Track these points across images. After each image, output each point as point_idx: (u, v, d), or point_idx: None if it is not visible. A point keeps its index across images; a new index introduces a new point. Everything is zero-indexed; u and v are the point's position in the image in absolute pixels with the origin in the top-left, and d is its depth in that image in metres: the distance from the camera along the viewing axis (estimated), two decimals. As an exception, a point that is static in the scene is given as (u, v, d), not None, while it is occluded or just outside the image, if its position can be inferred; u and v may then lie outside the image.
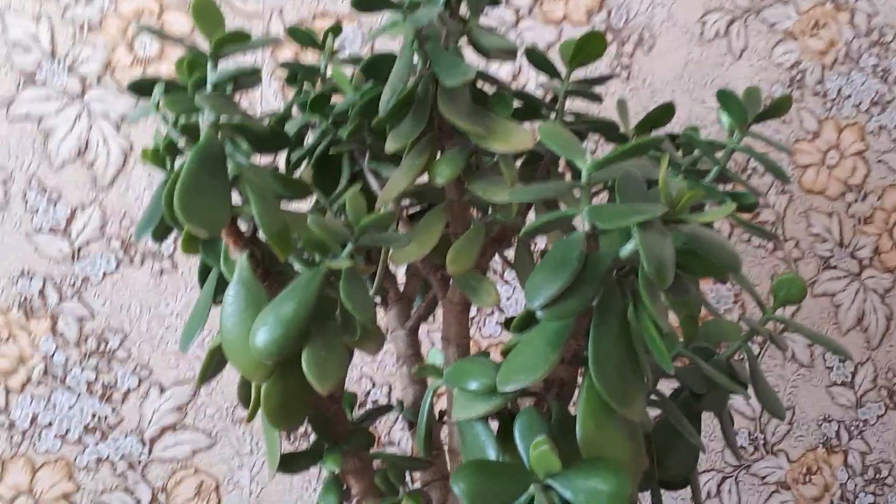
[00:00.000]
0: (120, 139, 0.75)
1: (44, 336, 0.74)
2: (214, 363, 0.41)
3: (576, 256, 0.29)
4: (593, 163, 0.30)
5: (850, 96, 0.94)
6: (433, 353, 0.37)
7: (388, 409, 0.50)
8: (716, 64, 0.89)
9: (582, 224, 0.30)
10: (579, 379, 0.36)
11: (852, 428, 0.96)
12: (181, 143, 0.34)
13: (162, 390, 0.76)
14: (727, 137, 0.45)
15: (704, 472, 0.93)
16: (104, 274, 0.75)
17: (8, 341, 0.73)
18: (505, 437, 0.34)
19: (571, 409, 0.34)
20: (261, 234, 0.38)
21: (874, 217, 0.96)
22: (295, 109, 0.52)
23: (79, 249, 0.75)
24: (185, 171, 0.32)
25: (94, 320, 0.75)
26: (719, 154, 0.46)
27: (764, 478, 0.94)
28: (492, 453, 0.33)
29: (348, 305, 0.34)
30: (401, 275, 0.55)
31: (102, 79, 0.74)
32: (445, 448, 0.50)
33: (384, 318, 0.53)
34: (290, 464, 0.41)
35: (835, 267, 0.95)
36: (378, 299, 0.54)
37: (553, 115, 0.47)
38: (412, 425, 0.52)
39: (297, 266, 0.37)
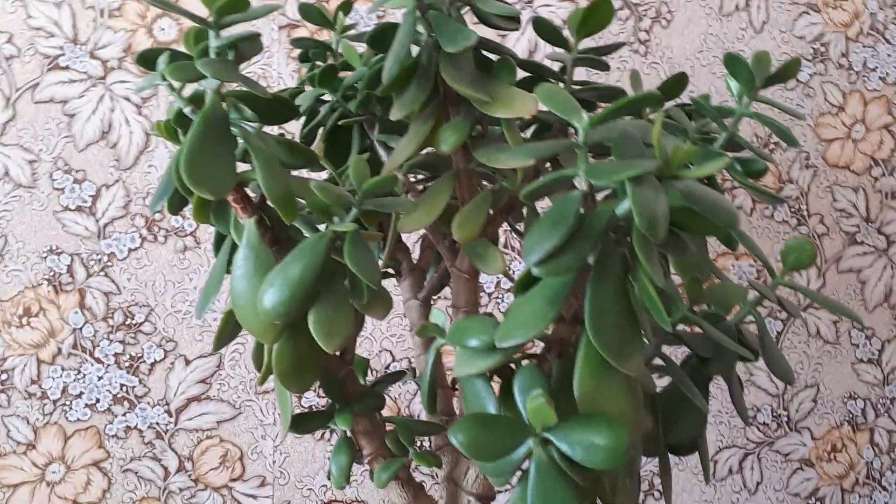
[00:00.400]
0: (141, 120, 0.77)
1: (72, 310, 0.76)
2: (230, 327, 0.42)
3: (572, 214, 0.29)
4: (590, 121, 0.30)
5: (875, 69, 0.92)
6: (436, 312, 0.37)
7: (401, 375, 0.51)
8: (736, 38, 0.88)
9: (580, 184, 0.31)
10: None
11: (879, 406, 0.95)
12: (187, 110, 0.35)
13: (187, 363, 0.78)
14: (736, 104, 0.45)
15: (726, 448, 0.92)
16: (129, 250, 0.77)
17: (38, 315, 0.76)
18: (506, 396, 0.34)
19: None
20: (270, 202, 0.39)
21: (902, 191, 0.95)
22: (308, 87, 0.53)
23: (104, 227, 0.77)
24: (190, 137, 0.33)
25: (120, 295, 0.77)
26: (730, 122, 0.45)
27: (787, 455, 0.93)
28: (492, 409, 0.33)
29: (353, 267, 0.35)
30: (417, 249, 0.56)
31: (123, 62, 0.76)
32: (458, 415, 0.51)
33: (398, 288, 0.54)
34: (302, 424, 0.42)
35: (861, 242, 0.94)
36: (391, 270, 0.55)
37: (561, 85, 0.47)
38: (425, 392, 0.53)
39: (305, 232, 0.38)
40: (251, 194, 0.38)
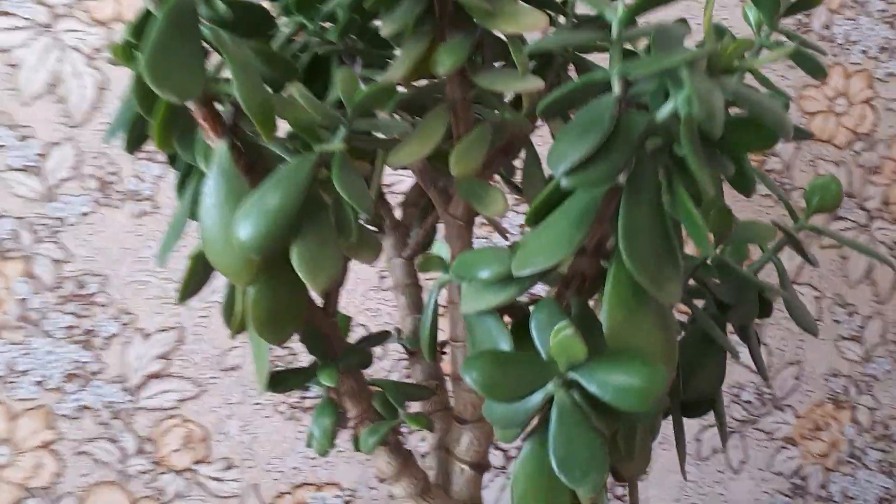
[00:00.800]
0: (93, 73, 0.71)
1: (18, 279, 0.70)
2: (199, 272, 0.37)
3: (607, 117, 0.25)
4: (625, 11, 0.26)
5: (857, 42, 0.90)
6: (439, 245, 0.33)
7: (386, 335, 0.46)
8: (719, 6, 0.85)
9: (613, 86, 0.27)
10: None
11: (860, 383, 0.94)
12: (151, 5, 0.30)
13: (146, 336, 0.73)
14: (755, 35, 0.42)
15: (710, 426, 0.90)
16: (81, 215, 0.71)
17: (-20, 284, 0.69)
18: (518, 339, 0.30)
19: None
20: (242, 126, 0.34)
21: (883, 167, 0.93)
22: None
23: (53, 189, 0.71)
24: (155, 33, 0.28)
25: (71, 263, 0.71)
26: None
27: (771, 433, 0.92)
28: (506, 348, 0.29)
29: (343, 192, 0.30)
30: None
31: (73, 10, 0.70)
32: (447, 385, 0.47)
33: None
34: (281, 382, 0.38)
35: (843, 218, 0.92)
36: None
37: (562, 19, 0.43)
38: (411, 354, 0.49)
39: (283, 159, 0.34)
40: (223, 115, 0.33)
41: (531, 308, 0.31)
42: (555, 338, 0.26)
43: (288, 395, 0.75)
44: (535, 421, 0.31)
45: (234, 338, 0.38)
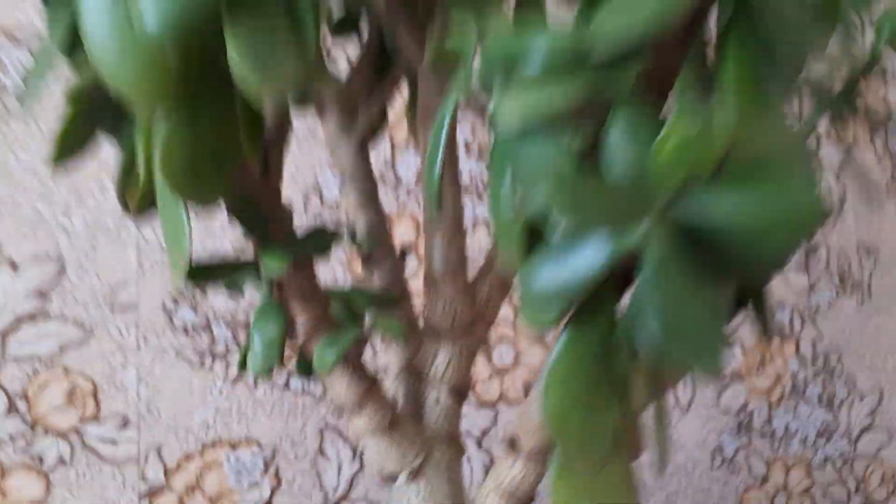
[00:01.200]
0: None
1: None
2: (81, 117, 0.26)
3: None
4: None
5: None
6: (461, 21, 0.23)
7: (336, 236, 0.36)
8: None
9: None
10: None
11: (805, 314, 0.92)
12: None
13: (14, 268, 0.59)
14: None
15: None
16: (-78, 114, 0.56)
17: None
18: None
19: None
20: None
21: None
22: None
23: None
24: None
25: None
26: None
27: (718, 369, 0.88)
28: (569, 167, 0.19)
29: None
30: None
31: None
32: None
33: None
34: (208, 272, 0.27)
35: (789, 142, 0.89)
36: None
37: None
38: (366, 259, 0.39)
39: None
40: None
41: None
42: (665, 142, 0.17)
43: (194, 339, 0.63)
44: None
45: (134, 214, 0.27)
